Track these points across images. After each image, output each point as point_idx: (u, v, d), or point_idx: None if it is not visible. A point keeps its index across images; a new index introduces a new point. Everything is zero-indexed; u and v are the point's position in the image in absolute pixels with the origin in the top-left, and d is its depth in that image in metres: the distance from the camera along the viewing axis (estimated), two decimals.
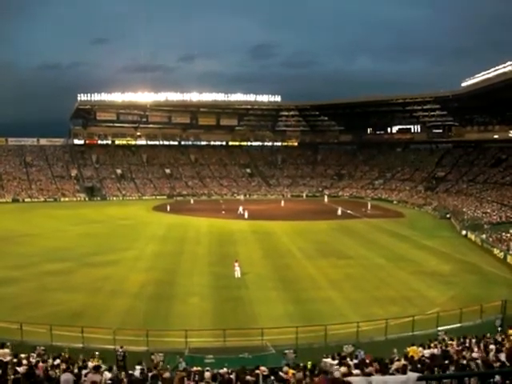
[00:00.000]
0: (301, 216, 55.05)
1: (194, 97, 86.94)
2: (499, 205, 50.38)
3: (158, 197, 78.50)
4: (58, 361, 12.86)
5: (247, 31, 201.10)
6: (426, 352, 13.40)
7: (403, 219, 53.87)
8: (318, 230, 44.86)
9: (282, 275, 27.81)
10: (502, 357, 10.82)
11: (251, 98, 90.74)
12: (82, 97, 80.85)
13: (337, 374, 9.94)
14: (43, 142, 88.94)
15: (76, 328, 17.32)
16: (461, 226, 44.57)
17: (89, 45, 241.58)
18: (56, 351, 14.82)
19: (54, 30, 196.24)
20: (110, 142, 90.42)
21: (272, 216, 54.64)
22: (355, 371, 10.32)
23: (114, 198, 77.14)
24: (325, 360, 13.89)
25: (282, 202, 67.89)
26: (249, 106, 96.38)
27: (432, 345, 14.46)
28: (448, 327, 18.22)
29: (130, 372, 12.11)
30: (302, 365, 12.87)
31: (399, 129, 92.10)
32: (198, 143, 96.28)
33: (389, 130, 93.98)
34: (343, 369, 11.30)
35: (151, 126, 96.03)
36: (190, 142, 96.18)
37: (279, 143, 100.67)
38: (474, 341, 14.23)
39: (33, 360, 12.40)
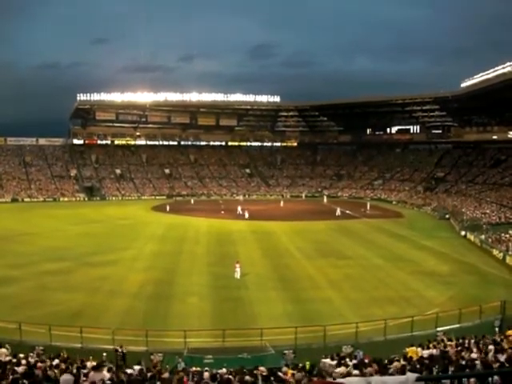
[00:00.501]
0: (300, 216, 55.06)
1: (193, 97, 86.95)
2: (498, 205, 50.44)
3: (157, 197, 78.42)
4: (56, 361, 12.85)
5: (247, 31, 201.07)
6: (425, 352, 13.40)
7: (402, 219, 53.91)
8: (317, 230, 44.87)
9: (281, 275, 27.81)
10: (501, 357, 10.82)
11: (251, 98, 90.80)
12: (81, 97, 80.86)
13: (335, 375, 9.94)
14: (42, 141, 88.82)
15: (75, 328, 17.29)
16: (460, 227, 44.60)
17: (89, 45, 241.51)
18: (55, 351, 14.80)
19: (53, 29, 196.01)
20: (109, 141, 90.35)
21: (271, 216, 54.65)
22: (354, 372, 10.32)
23: (114, 198, 77.07)
24: (324, 360, 13.89)
25: (282, 203, 67.89)
26: (248, 107, 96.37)
27: (431, 345, 14.46)
28: (447, 328, 18.22)
29: (129, 371, 12.09)
30: (300, 365, 12.88)
31: (398, 129, 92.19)
32: (198, 143, 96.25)
33: (388, 130, 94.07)
34: (342, 369, 11.31)
35: (150, 126, 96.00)
36: (190, 142, 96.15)
37: (278, 143, 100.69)
38: (472, 341, 14.23)
39: (31, 360, 12.38)
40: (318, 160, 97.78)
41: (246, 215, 52.34)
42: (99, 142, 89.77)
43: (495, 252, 33.47)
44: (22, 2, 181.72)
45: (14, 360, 11.75)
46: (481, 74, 61.94)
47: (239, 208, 55.75)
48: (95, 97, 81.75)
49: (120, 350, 15.53)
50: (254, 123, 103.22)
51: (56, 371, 10.80)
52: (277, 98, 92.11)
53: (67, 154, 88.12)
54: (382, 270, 29.17)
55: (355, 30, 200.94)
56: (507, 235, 35.17)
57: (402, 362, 11.28)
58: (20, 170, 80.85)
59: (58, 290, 24.31)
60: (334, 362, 12.92)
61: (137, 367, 12.78)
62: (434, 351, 13.46)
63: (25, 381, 8.83)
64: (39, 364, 11.65)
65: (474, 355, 11.69)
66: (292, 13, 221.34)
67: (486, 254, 34.36)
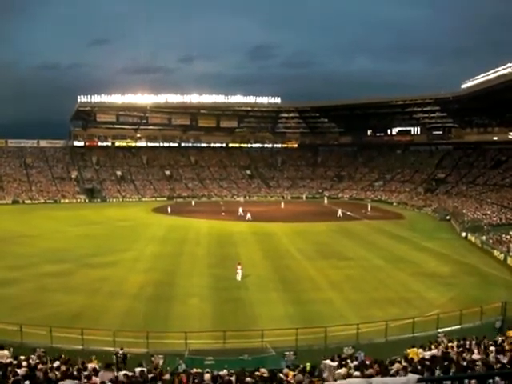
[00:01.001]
0: (301, 217, 55.04)
1: (193, 98, 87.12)
2: (499, 206, 50.39)
3: (157, 198, 78.48)
4: (57, 363, 12.83)
5: (247, 32, 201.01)
6: (427, 354, 13.37)
7: (403, 221, 53.87)
8: (317, 232, 44.85)
9: (282, 276, 27.78)
10: (502, 359, 10.80)
11: (251, 99, 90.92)
12: (81, 98, 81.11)
13: (337, 377, 9.92)
14: (43, 143, 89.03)
15: (76, 330, 17.28)
16: (461, 228, 44.56)
17: (89, 45, 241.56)
18: (56, 353, 14.78)
19: (54, 30, 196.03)
20: (110, 143, 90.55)
21: (272, 218, 54.61)
22: (355, 373, 10.30)
23: (114, 200, 77.15)
24: (324, 362, 13.86)
25: (282, 204, 67.83)
26: (249, 108, 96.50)
27: (432, 346, 14.44)
28: (448, 329, 18.20)
29: (130, 373, 12.06)
30: (301, 366, 12.85)
31: (399, 130, 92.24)
32: (198, 145, 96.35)
33: (389, 131, 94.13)
34: (343, 370, 11.29)
35: (151, 127, 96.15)
36: (190, 144, 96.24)
37: (279, 145, 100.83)
38: (474, 342, 14.21)
39: (32, 362, 12.37)
40: (318, 161, 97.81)
41: (248, 217, 52.32)
42: (100, 143, 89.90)
43: (496, 253, 33.43)
44: (22, 2, 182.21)
45: (15, 362, 11.73)
46: (481, 75, 62.00)
47: (240, 209, 55.73)
48: (96, 98, 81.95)
49: (120, 353, 15.50)
50: (254, 125, 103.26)
51: (57, 373, 10.78)
52: (277, 100, 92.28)
53: (68, 156, 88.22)
54: (383, 272, 29.14)
55: (355, 30, 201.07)
56: (508, 236, 35.13)
57: (404, 364, 11.25)
58: (21, 171, 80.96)
59: (58, 292, 24.29)
60: (335, 364, 12.89)
61: (138, 369, 12.75)
62: (436, 352, 13.44)
63: (26, 383, 8.82)
64: (40, 366, 11.63)
65: (475, 356, 11.68)
66: (292, 13, 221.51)
67: (487, 255, 34.31)
